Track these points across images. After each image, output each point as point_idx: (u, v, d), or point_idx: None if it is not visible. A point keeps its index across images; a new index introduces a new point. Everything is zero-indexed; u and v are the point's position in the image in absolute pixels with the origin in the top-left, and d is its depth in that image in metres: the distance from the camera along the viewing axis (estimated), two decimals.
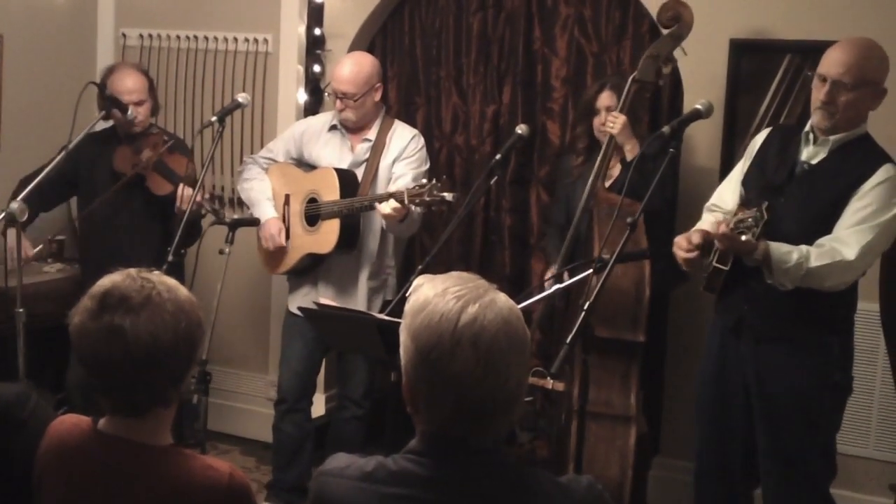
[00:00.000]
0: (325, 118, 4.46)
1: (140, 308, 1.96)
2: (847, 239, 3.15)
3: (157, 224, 4.39)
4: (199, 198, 3.99)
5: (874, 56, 3.24)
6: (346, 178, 4.17)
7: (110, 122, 4.44)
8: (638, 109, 4.15)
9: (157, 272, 2.08)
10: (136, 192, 4.30)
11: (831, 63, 3.23)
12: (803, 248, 3.15)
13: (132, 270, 2.05)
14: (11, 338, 3.64)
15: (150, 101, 4.42)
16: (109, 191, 4.20)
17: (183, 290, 2.06)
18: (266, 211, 4.32)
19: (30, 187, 3.76)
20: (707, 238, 3.26)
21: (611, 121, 3.96)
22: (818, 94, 3.26)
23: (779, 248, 3.14)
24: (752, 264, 3.21)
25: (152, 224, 4.40)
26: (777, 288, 3.19)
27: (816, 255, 3.13)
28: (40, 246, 4.29)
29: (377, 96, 4.29)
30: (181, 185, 4.18)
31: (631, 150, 3.95)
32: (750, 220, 3.08)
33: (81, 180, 4.40)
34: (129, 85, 4.32)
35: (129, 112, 4.24)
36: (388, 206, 3.84)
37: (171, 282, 2.06)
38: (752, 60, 4.32)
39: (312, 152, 4.36)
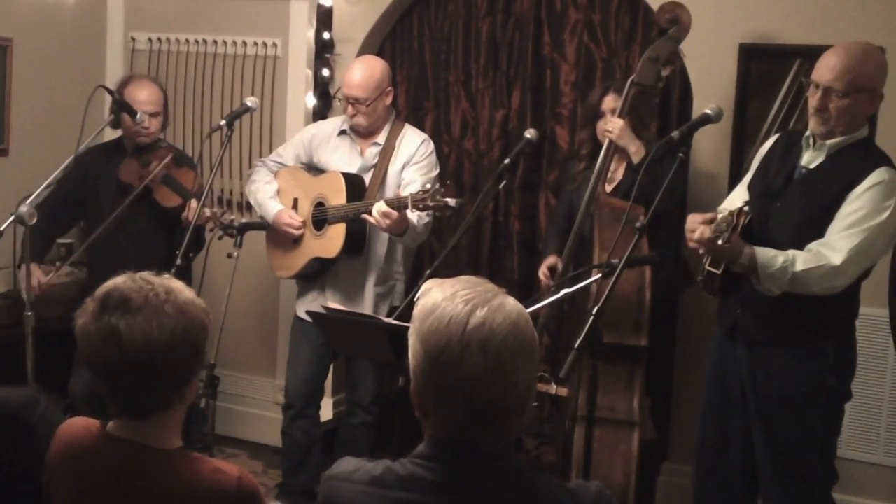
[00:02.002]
0: (334, 123, 4.46)
1: (137, 310, 1.96)
2: (835, 243, 3.13)
3: (163, 237, 4.39)
4: (208, 212, 4.01)
5: (867, 61, 3.20)
6: (353, 182, 4.17)
7: (118, 133, 4.44)
8: (641, 112, 4.14)
9: (166, 275, 2.08)
10: (143, 205, 4.31)
11: (823, 69, 3.21)
12: (790, 252, 3.13)
13: (135, 274, 2.05)
14: (20, 342, 3.65)
15: (162, 115, 4.44)
16: (119, 207, 4.20)
17: (186, 293, 2.05)
18: (272, 208, 4.32)
19: (39, 191, 3.77)
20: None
21: (610, 127, 3.96)
22: (812, 100, 3.25)
23: (765, 253, 3.12)
24: (739, 270, 3.19)
25: (158, 237, 4.40)
26: (757, 287, 3.18)
27: (802, 259, 3.11)
28: (52, 273, 4.32)
29: (388, 100, 4.29)
30: (191, 200, 4.19)
31: (636, 153, 3.94)
32: (724, 223, 3.08)
33: (87, 192, 4.40)
34: (144, 96, 4.34)
35: (139, 115, 4.23)
36: (375, 211, 3.84)
37: (175, 284, 2.06)
38: (761, 65, 4.31)
39: (322, 157, 4.36)
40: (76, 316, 2.03)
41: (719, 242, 3.05)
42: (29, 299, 3.82)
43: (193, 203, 4.14)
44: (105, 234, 4.25)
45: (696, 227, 3.22)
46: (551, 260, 4.14)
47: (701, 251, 3.20)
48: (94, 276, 4.55)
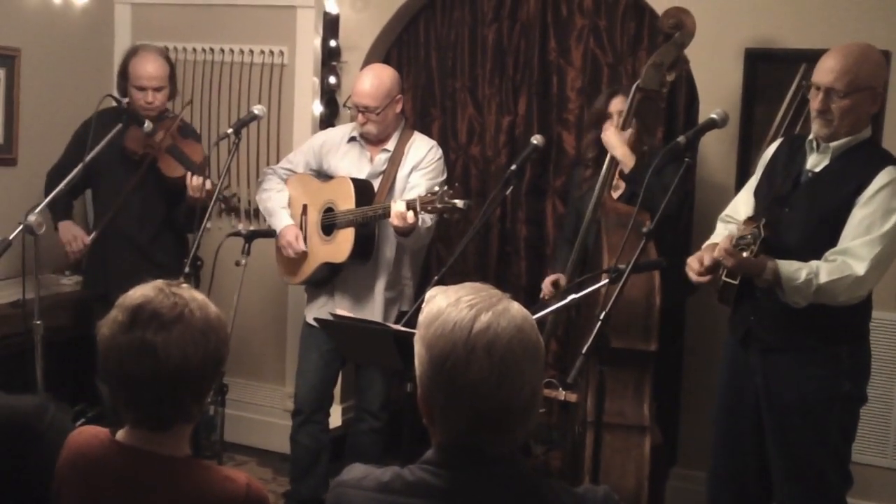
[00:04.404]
0: (344, 130, 4.47)
1: (171, 325, 1.96)
2: (857, 251, 3.12)
3: (162, 205, 4.45)
4: (209, 186, 4.03)
5: (866, 61, 3.21)
6: (362, 188, 4.17)
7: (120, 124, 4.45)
8: (646, 118, 4.14)
9: (185, 286, 2.08)
10: (147, 173, 4.33)
11: (823, 71, 3.22)
12: (813, 264, 3.12)
13: (162, 283, 2.05)
14: (29, 350, 3.66)
15: (168, 87, 4.45)
16: (134, 179, 4.25)
17: (213, 308, 2.06)
18: (282, 220, 4.33)
19: (49, 197, 3.80)
20: (714, 259, 3.23)
21: (603, 129, 3.97)
22: (813, 102, 3.25)
23: (788, 267, 3.11)
24: (763, 285, 3.19)
25: (155, 205, 4.45)
26: (783, 299, 3.17)
27: (826, 270, 3.11)
28: (94, 233, 4.32)
29: (398, 108, 4.30)
30: (189, 175, 4.21)
31: (623, 159, 3.89)
32: (749, 236, 3.07)
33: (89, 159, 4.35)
34: (150, 70, 4.36)
35: (146, 125, 4.26)
36: (394, 210, 3.84)
37: (202, 298, 2.06)
38: (767, 70, 4.31)
39: (331, 164, 4.36)
40: (99, 325, 2.03)
41: (744, 255, 3.04)
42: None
43: (194, 179, 4.18)
44: (110, 200, 4.31)
45: (700, 280, 3.26)
46: (554, 277, 4.14)
47: (725, 263, 3.18)
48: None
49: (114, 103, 4.41)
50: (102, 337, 2.01)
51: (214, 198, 4.02)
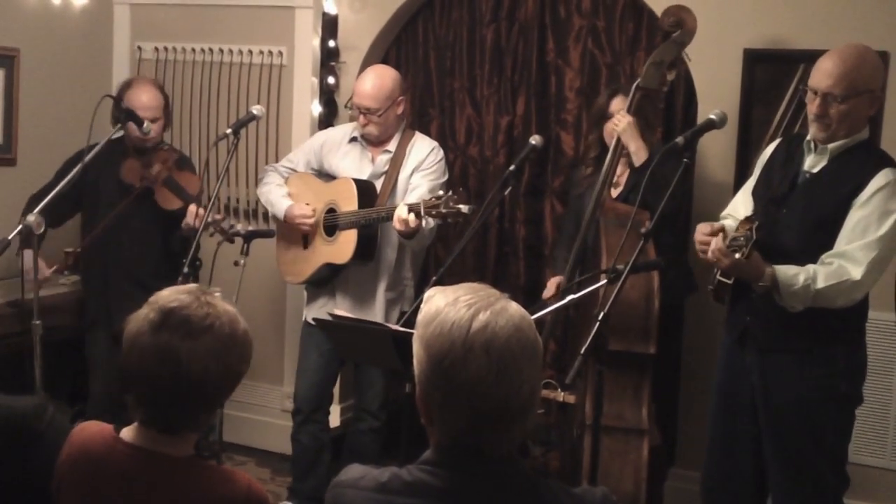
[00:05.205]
0: (344, 129, 4.46)
1: (199, 334, 1.97)
2: (854, 255, 3.12)
3: (158, 236, 4.42)
4: (210, 217, 4.02)
5: (864, 64, 3.19)
6: (365, 189, 4.17)
7: (121, 133, 4.44)
8: (648, 116, 4.14)
9: (218, 295, 2.08)
10: (143, 206, 4.32)
11: (820, 75, 3.20)
12: (810, 268, 3.12)
13: (195, 288, 2.05)
14: (28, 350, 3.66)
15: (163, 119, 4.44)
16: (120, 205, 4.22)
17: (242, 323, 2.08)
18: (283, 204, 4.32)
19: (46, 200, 3.77)
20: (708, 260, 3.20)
21: (616, 119, 3.96)
22: (811, 106, 3.23)
23: (786, 272, 3.11)
24: (761, 291, 3.18)
25: (153, 236, 4.43)
26: (780, 303, 3.17)
27: (823, 275, 3.10)
28: (55, 266, 4.33)
29: (399, 110, 4.29)
30: (192, 205, 4.20)
31: (636, 153, 3.93)
32: (741, 238, 3.06)
33: (86, 188, 4.36)
34: (144, 101, 4.34)
35: (145, 126, 4.26)
36: (397, 215, 3.83)
37: (233, 311, 2.07)
38: (766, 70, 4.32)
39: (332, 163, 4.36)
40: (128, 319, 2.02)
41: (737, 256, 3.04)
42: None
43: (192, 208, 4.16)
44: (103, 232, 4.28)
45: (706, 239, 3.22)
46: (559, 279, 4.13)
47: (719, 263, 3.17)
48: (88, 274, 4.59)
49: (111, 104, 4.40)
50: (129, 333, 2.00)
51: (203, 225, 3.97)
